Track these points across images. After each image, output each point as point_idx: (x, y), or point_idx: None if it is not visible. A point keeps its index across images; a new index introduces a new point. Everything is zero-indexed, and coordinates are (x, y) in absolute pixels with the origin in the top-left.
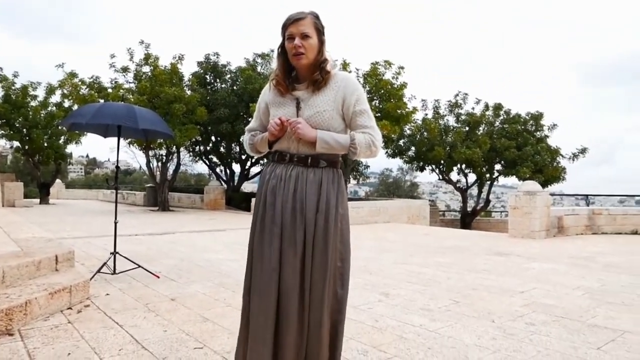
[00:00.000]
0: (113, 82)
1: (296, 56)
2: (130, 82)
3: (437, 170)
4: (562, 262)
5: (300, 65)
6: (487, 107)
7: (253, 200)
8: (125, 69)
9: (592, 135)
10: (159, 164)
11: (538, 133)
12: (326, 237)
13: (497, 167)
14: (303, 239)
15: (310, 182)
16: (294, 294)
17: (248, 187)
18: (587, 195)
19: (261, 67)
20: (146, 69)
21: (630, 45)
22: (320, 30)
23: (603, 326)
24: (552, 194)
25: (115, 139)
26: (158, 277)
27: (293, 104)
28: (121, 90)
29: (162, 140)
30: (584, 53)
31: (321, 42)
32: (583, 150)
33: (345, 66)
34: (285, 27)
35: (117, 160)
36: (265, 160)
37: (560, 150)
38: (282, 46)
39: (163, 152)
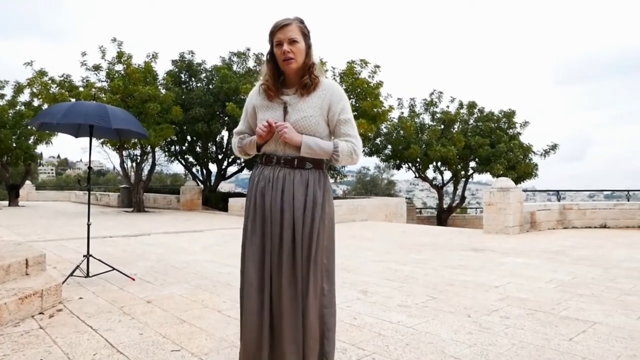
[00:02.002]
0: (84, 80)
1: (286, 61)
2: (102, 81)
3: (413, 168)
4: (535, 256)
5: (290, 70)
6: (461, 105)
7: (231, 200)
8: (97, 67)
9: (564, 131)
10: (134, 164)
11: (511, 130)
12: (312, 235)
13: (472, 164)
14: (292, 237)
15: (298, 183)
16: (288, 290)
17: (225, 187)
18: (558, 191)
19: (237, 65)
20: (119, 67)
21: (596, 44)
22: (306, 35)
23: (574, 318)
24: (525, 190)
25: (88, 139)
26: (133, 279)
27: (280, 108)
28: (93, 89)
29: (136, 140)
30: (558, 52)
31: (308, 46)
32: (554, 147)
33: (321, 65)
34: (272, 33)
35: (90, 161)
36: (242, 162)
37: (532, 147)
38: (270, 52)
39: (137, 152)
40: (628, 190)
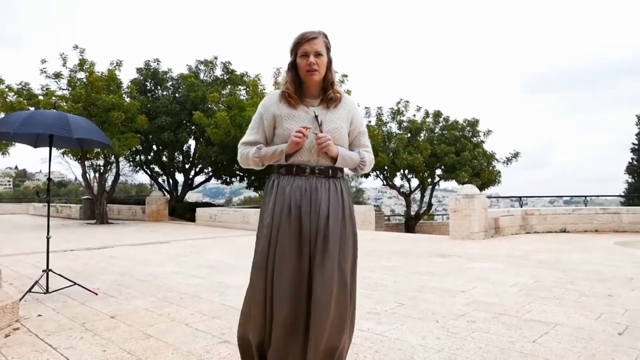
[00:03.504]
0: (44, 88)
1: (310, 72)
2: (63, 89)
3: (381, 176)
4: (500, 261)
5: (312, 81)
6: (427, 114)
7: (199, 210)
8: (57, 75)
9: (527, 139)
10: (97, 174)
11: (475, 139)
12: (350, 244)
13: (438, 171)
14: (334, 247)
15: (332, 192)
16: (328, 297)
17: (192, 196)
18: (520, 197)
19: (204, 74)
20: (81, 75)
21: (561, 58)
22: (329, 49)
23: (537, 320)
24: (489, 197)
25: (47, 149)
26: (96, 294)
27: (308, 118)
28: (53, 98)
29: (99, 150)
30: (525, 64)
31: (329, 61)
32: (516, 155)
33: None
34: (298, 44)
35: (49, 172)
36: (210, 172)
37: (495, 154)
38: (293, 62)
39: (101, 162)
40: (585, 196)
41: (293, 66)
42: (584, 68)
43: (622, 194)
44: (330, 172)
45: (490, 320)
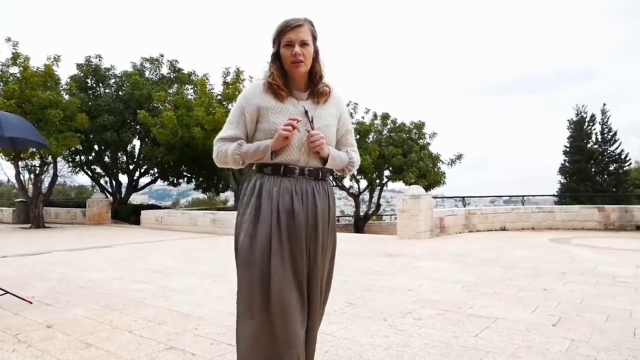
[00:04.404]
0: None
1: (295, 64)
2: None
3: (331, 177)
4: (445, 259)
5: (298, 74)
6: (375, 116)
7: (144, 212)
8: None
9: (470, 141)
10: (32, 175)
11: (421, 141)
12: (333, 246)
13: (386, 173)
14: (322, 252)
15: (322, 195)
16: (319, 308)
17: (137, 198)
18: (464, 197)
19: (150, 72)
20: (14, 69)
21: (501, 65)
22: (315, 38)
23: (479, 315)
24: (435, 197)
25: None
26: (31, 302)
27: (297, 112)
28: None
29: (34, 150)
30: (472, 69)
31: (316, 51)
32: (459, 157)
33: (238, 74)
34: (282, 33)
35: None
36: (156, 173)
37: (440, 156)
38: (276, 52)
39: (36, 162)
40: (523, 196)
41: (277, 57)
42: (521, 75)
43: (556, 193)
44: (320, 173)
45: (435, 317)
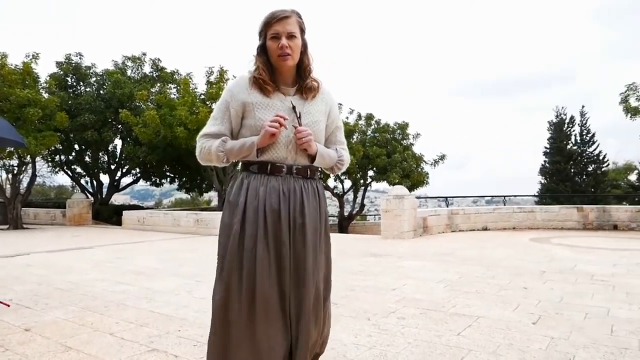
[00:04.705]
0: None
1: (282, 57)
2: None
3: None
4: (428, 258)
5: (286, 67)
6: (359, 117)
7: (125, 213)
8: None
9: (453, 142)
10: (9, 175)
11: (404, 141)
12: (324, 254)
13: (370, 173)
14: (313, 253)
15: (311, 195)
16: (309, 303)
17: (119, 199)
18: (446, 198)
19: (132, 70)
20: None
21: (484, 67)
22: (303, 31)
23: (462, 314)
24: (418, 197)
25: None
26: (8, 305)
27: (284, 108)
28: None
29: (12, 149)
30: (454, 72)
31: (304, 44)
32: (442, 157)
33: (222, 73)
34: (268, 24)
35: None
36: (138, 173)
37: (423, 156)
38: (262, 45)
39: (14, 162)
40: (504, 196)
41: (263, 50)
42: (504, 77)
43: (536, 193)
44: (308, 172)
45: (418, 316)
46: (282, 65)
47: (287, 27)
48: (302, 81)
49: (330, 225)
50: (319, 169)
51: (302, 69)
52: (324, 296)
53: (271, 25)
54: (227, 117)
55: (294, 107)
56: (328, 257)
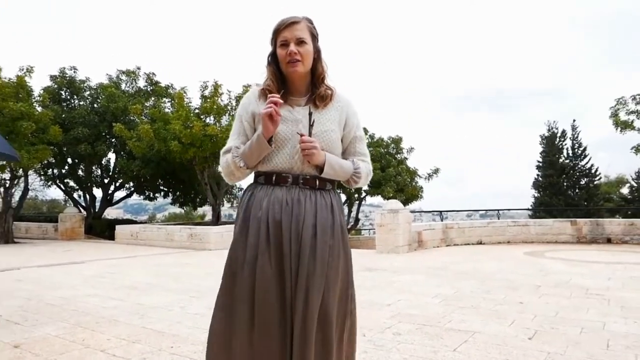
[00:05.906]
0: None
1: (291, 64)
2: None
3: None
4: (422, 273)
5: (296, 75)
6: None
7: (119, 227)
8: None
9: (447, 157)
10: (1, 189)
11: (399, 155)
12: (339, 271)
13: (365, 187)
14: (322, 269)
15: (322, 207)
16: (311, 318)
17: (112, 213)
18: (441, 212)
19: (126, 84)
20: None
21: (476, 80)
22: (315, 37)
23: (457, 329)
24: (413, 211)
25: None
26: None
27: (292, 118)
28: None
29: (4, 162)
30: (447, 87)
31: (317, 50)
32: (436, 171)
33: (217, 88)
34: (277, 31)
35: None
36: (131, 187)
37: (417, 170)
38: (272, 54)
39: (6, 175)
40: (498, 210)
41: (274, 59)
42: (496, 91)
43: (530, 207)
44: (317, 182)
45: (414, 332)
46: (292, 73)
47: (295, 33)
48: (315, 89)
49: None
50: (332, 181)
51: (316, 77)
52: (343, 314)
53: (280, 32)
54: (242, 131)
55: (310, 113)
56: (345, 274)
